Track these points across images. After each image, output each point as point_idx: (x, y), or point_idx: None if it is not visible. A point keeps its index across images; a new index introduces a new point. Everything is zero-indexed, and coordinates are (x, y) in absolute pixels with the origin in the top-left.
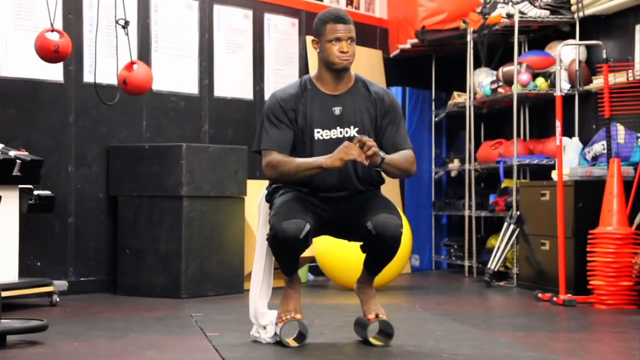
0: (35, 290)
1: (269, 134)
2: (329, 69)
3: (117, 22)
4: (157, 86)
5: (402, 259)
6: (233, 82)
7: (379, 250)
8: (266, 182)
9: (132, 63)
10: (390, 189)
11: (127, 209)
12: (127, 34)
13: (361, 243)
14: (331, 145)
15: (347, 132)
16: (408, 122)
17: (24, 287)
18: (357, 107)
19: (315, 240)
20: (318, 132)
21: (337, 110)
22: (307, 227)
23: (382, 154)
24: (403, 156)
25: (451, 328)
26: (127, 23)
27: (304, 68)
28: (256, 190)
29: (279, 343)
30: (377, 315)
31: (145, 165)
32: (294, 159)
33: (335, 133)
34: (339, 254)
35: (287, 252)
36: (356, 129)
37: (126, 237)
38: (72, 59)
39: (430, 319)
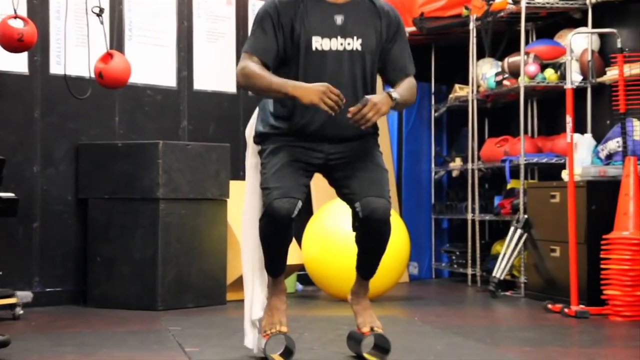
0: None
1: (255, 38)
2: None
3: (91, 10)
4: (131, 79)
5: (399, 267)
6: (214, 74)
7: (368, 234)
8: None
9: (108, 54)
10: None
11: (98, 212)
12: (101, 22)
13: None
14: (331, 59)
15: (349, 44)
16: (405, 117)
17: None
18: (361, 18)
19: (305, 246)
20: (317, 41)
21: (339, 19)
22: (299, 204)
23: (394, 94)
24: (410, 88)
25: (453, 342)
26: (101, 10)
27: None
28: (240, 192)
29: (265, 359)
30: (372, 329)
31: (118, 164)
32: (268, 76)
33: (336, 44)
34: (330, 261)
35: (278, 233)
36: (359, 40)
37: (97, 244)
38: (38, 48)
39: (430, 333)
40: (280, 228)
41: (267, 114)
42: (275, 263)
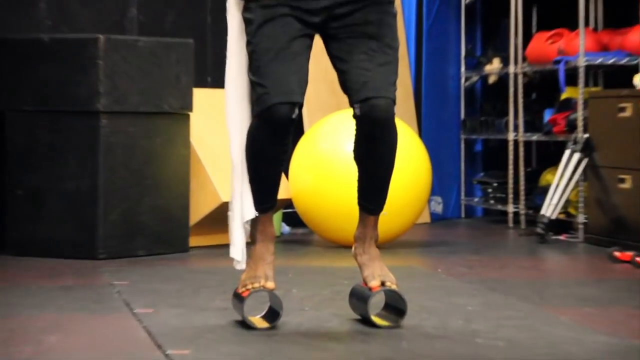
0: None
1: None
2: None
3: None
4: None
5: (417, 203)
6: None
7: (366, 141)
8: (222, 93)
9: None
10: (401, 103)
11: (19, 130)
12: None
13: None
14: None
15: None
16: (426, 5)
17: None
18: None
19: (293, 175)
20: None
21: None
22: (300, 100)
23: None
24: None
25: (488, 302)
26: None
27: None
28: (207, 103)
29: (242, 323)
30: (382, 284)
31: (44, 67)
32: None
33: None
34: (325, 196)
35: (273, 142)
36: None
37: (17, 172)
38: None
39: (458, 289)
40: (277, 134)
41: None
42: (265, 188)
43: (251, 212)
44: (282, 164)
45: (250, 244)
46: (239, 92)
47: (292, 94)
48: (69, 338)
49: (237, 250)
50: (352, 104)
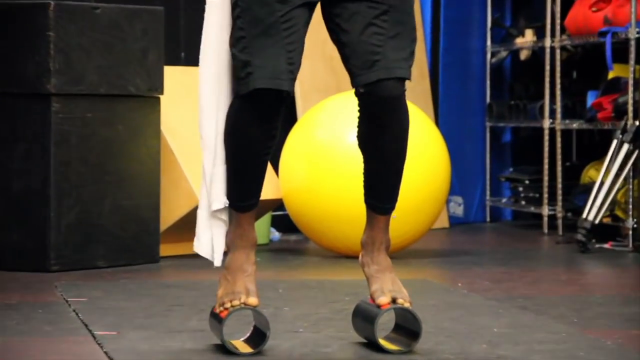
0: None
1: None
2: None
3: None
4: None
5: (433, 204)
6: None
7: (372, 123)
8: (196, 72)
9: None
10: (413, 84)
11: None
12: None
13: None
14: None
15: None
16: None
17: None
18: None
19: (284, 171)
20: None
21: None
22: (288, 88)
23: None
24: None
25: (518, 322)
26: None
27: None
28: (180, 84)
29: (222, 348)
30: (394, 300)
31: None
32: None
33: None
34: (323, 194)
35: (259, 125)
36: None
37: None
38: None
39: (481, 308)
40: (262, 117)
41: None
42: (246, 182)
43: (220, 201)
44: (267, 153)
45: (226, 252)
46: (217, 69)
47: (280, 80)
48: None
49: (202, 244)
50: (356, 86)
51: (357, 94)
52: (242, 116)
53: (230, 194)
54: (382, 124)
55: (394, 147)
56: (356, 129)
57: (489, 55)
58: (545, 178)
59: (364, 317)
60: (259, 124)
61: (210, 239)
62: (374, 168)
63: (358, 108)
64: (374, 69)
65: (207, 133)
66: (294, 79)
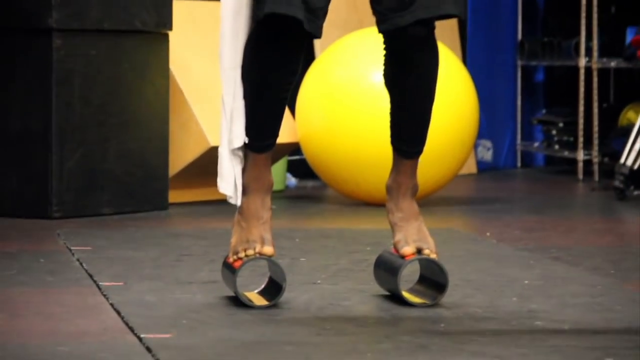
0: None
1: None
2: None
3: None
4: None
5: (460, 149)
6: None
7: (399, 65)
8: (210, 6)
9: None
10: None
11: None
12: None
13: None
14: None
15: None
16: None
17: None
18: None
19: (301, 113)
20: None
21: None
22: (308, 10)
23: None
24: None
25: (550, 274)
26: None
27: None
28: (191, 19)
29: (235, 300)
30: (419, 251)
31: None
32: None
33: None
34: (342, 138)
35: (279, 59)
36: None
37: None
38: None
39: (512, 259)
40: (280, 48)
41: None
42: (262, 119)
43: (242, 138)
44: (287, 90)
45: (242, 201)
46: None
47: (293, 7)
48: (15, 320)
49: (227, 184)
50: (377, 21)
51: (380, 31)
52: (259, 45)
53: (247, 132)
54: (410, 64)
55: (423, 88)
56: (380, 68)
57: None
58: (581, 121)
59: (386, 268)
60: (277, 55)
61: (234, 178)
62: (400, 110)
63: (384, 47)
64: (416, 7)
65: (227, 62)
66: (315, 14)
